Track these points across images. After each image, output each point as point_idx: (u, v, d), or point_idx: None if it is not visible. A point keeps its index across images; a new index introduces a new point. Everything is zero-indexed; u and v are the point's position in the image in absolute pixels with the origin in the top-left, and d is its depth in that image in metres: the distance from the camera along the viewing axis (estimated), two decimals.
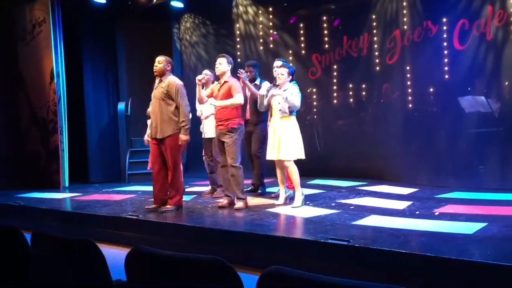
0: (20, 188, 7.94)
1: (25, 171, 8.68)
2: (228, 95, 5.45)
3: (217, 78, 5.84)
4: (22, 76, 8.79)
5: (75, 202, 6.77)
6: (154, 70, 5.45)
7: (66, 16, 8.47)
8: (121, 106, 8.90)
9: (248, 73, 6.26)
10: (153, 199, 5.69)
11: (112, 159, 9.03)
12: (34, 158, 8.63)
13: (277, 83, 5.46)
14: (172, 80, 5.40)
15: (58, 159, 8.23)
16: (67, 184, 8.29)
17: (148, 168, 6.48)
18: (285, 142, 5.31)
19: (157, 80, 5.55)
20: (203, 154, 6.62)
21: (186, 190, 7.02)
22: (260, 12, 8.75)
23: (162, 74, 5.42)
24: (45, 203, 6.66)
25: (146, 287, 1.94)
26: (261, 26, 8.76)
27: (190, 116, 5.39)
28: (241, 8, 8.97)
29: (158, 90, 5.41)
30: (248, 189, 6.47)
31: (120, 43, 9.39)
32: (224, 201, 5.63)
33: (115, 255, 4.48)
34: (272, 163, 5.71)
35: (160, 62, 5.42)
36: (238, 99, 5.42)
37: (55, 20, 8.24)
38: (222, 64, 5.51)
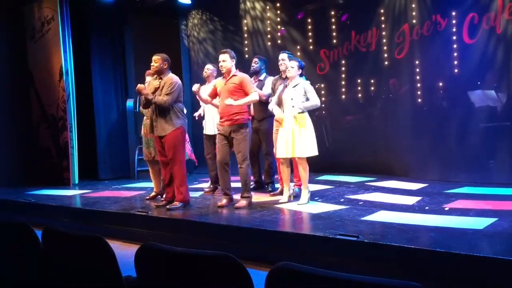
0: (31, 185, 8.01)
1: (36, 168, 8.76)
2: (238, 88, 5.26)
3: (220, 73, 5.68)
4: (31, 73, 8.86)
5: (85, 199, 6.82)
6: (151, 69, 5.40)
7: (75, 13, 8.50)
8: (129, 103, 8.94)
9: (253, 64, 6.21)
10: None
11: (121, 156, 9.08)
12: (44, 155, 8.71)
13: (287, 76, 5.40)
14: (171, 77, 5.37)
15: (68, 156, 8.29)
16: (77, 181, 8.34)
17: (145, 158, 6.49)
18: (301, 138, 5.18)
19: (151, 78, 5.54)
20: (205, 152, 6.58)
21: (195, 186, 7.06)
22: (267, 7, 8.73)
23: (160, 72, 5.36)
24: (55, 200, 6.72)
25: (156, 283, 1.95)
26: (268, 21, 8.73)
27: (165, 104, 5.22)
28: (248, 4, 8.95)
29: (158, 89, 5.34)
30: (251, 187, 6.42)
31: (128, 40, 9.41)
32: (223, 200, 5.46)
33: (124, 251, 4.53)
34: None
35: (156, 60, 5.34)
36: (255, 96, 5.28)
37: (64, 17, 8.27)
38: (226, 61, 5.31)
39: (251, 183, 6.48)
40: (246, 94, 5.29)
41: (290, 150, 5.22)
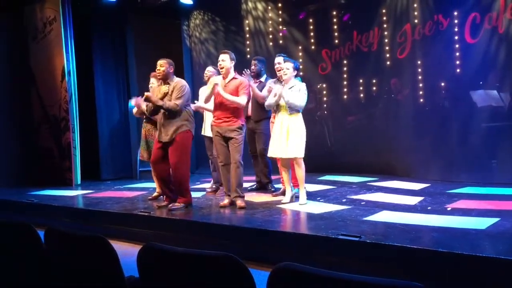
0: (33, 186, 8.02)
1: (38, 169, 8.77)
2: (236, 92, 5.31)
3: (219, 73, 5.68)
4: (34, 74, 8.87)
5: (87, 199, 6.82)
6: (157, 74, 5.39)
7: (77, 14, 8.50)
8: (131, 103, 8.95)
9: (253, 67, 6.21)
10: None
11: (123, 156, 9.09)
12: (46, 156, 8.71)
13: (282, 79, 5.42)
14: (180, 81, 5.38)
15: (70, 156, 8.29)
16: (79, 182, 8.35)
17: (140, 157, 6.49)
18: (296, 139, 5.21)
19: (156, 83, 5.52)
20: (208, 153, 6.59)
21: (197, 187, 7.06)
22: (269, 8, 8.73)
23: (166, 77, 5.35)
24: (58, 200, 6.73)
25: (158, 283, 1.95)
26: (270, 22, 8.73)
27: (177, 108, 5.20)
28: (250, 4, 8.96)
29: (167, 94, 5.32)
30: (254, 187, 6.47)
31: (130, 40, 9.41)
32: (225, 200, 5.49)
33: (127, 251, 4.52)
34: (273, 160, 5.65)
35: (162, 65, 5.32)
36: (242, 100, 5.29)
37: (66, 18, 8.28)
38: (226, 61, 5.35)
39: (254, 183, 6.53)
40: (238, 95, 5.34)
41: (283, 150, 5.25)
